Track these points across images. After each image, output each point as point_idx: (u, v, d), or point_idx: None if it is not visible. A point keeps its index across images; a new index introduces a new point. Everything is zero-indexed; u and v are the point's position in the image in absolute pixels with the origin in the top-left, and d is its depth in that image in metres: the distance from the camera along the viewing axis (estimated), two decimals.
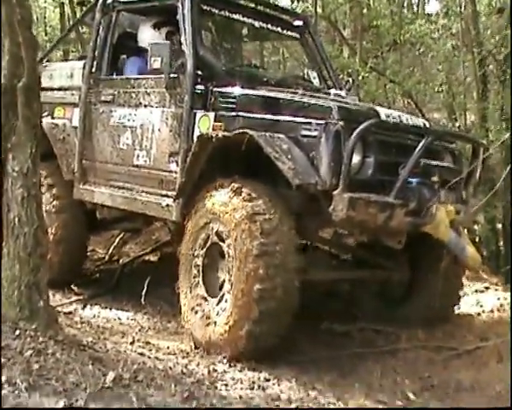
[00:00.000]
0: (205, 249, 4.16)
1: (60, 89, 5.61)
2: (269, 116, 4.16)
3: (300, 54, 10.29)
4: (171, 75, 4.56)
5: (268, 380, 3.64)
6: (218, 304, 4.03)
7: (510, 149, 4.16)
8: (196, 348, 4.12)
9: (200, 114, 4.46)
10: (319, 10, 10.07)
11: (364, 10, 10.49)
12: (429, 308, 4.64)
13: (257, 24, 5.35)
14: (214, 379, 3.54)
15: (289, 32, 5.69)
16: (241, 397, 3.33)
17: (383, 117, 4.11)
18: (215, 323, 4.00)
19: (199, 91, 4.50)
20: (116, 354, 3.65)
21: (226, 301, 3.94)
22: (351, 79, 5.84)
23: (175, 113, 4.60)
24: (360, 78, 8.66)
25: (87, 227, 5.66)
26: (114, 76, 5.28)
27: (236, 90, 4.43)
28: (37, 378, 2.75)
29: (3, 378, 2.62)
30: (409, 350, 4.37)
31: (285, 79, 5.46)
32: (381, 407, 3.50)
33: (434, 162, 4.21)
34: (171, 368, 3.62)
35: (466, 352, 4.30)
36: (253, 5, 5.33)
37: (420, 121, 4.59)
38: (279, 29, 5.58)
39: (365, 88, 8.94)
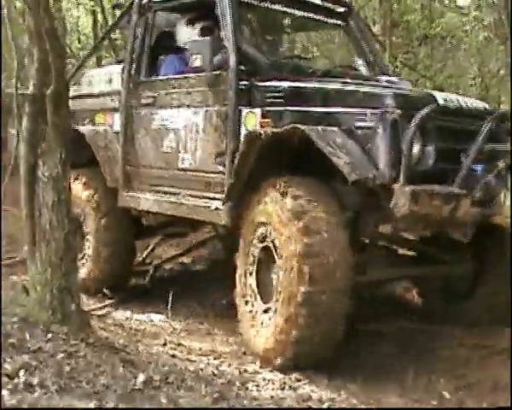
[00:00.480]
0: (261, 245, 3.97)
1: (99, 95, 5.57)
2: (319, 109, 3.93)
3: (331, 50, 10.28)
4: (214, 72, 4.42)
5: (299, 380, 3.61)
6: (265, 312, 3.92)
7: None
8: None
9: (245, 110, 4.26)
10: None
11: (394, 5, 10.38)
12: (494, 305, 4.43)
13: (298, 13, 5.14)
14: (245, 380, 3.54)
15: (332, 20, 5.44)
16: (272, 398, 3.32)
17: (441, 102, 3.83)
18: (258, 332, 3.92)
19: (243, 87, 4.29)
20: (147, 356, 3.68)
21: (270, 320, 3.82)
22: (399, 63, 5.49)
23: (219, 111, 4.41)
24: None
25: (133, 234, 5.61)
26: (154, 77, 5.13)
27: (283, 84, 4.22)
28: (69, 381, 2.77)
29: (36, 381, 2.65)
30: (445, 348, 4.29)
31: (331, 69, 5.17)
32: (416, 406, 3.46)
33: (499, 146, 3.85)
34: (202, 369, 3.63)
35: (504, 350, 4.19)
36: None
37: (480, 104, 4.30)
38: (322, 17, 5.34)
39: None
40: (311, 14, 5.23)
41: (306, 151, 3.77)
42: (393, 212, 3.52)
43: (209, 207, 4.44)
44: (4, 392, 2.47)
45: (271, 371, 3.74)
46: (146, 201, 5.02)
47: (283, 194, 3.73)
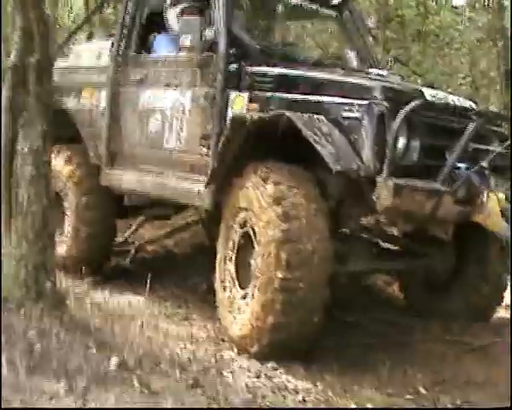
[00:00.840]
0: (242, 231, 3.94)
1: (87, 69, 5.44)
2: (307, 97, 3.91)
3: (326, 40, 10.17)
4: (204, 54, 4.39)
5: (276, 369, 3.57)
6: (242, 298, 3.88)
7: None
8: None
9: (233, 94, 4.23)
10: None
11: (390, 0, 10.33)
12: (472, 302, 4.51)
13: (293, 1, 5.14)
14: (221, 367, 3.48)
15: (326, 10, 5.41)
16: (247, 386, 3.27)
17: (428, 97, 3.84)
18: (235, 318, 3.89)
19: (232, 71, 4.27)
20: (123, 338, 3.60)
21: (247, 306, 3.79)
22: (391, 58, 5.61)
23: (207, 93, 4.36)
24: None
25: (115, 214, 5.52)
26: (143, 54, 5.06)
27: (272, 70, 4.22)
28: (39, 360, 2.70)
29: (3, 358, 2.58)
30: (422, 343, 4.28)
31: (323, 58, 5.22)
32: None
33: (484, 147, 3.90)
34: (177, 354, 3.56)
35: (480, 347, 4.21)
36: None
37: (467, 102, 4.26)
38: (316, 7, 5.30)
39: None
40: (305, 3, 5.18)
41: (292, 138, 3.71)
42: (375, 204, 3.53)
43: (192, 189, 4.37)
44: None
45: (248, 358, 3.69)
46: (128, 181, 4.96)
47: (264, 179, 3.70)
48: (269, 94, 4.08)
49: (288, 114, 3.66)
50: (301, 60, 4.65)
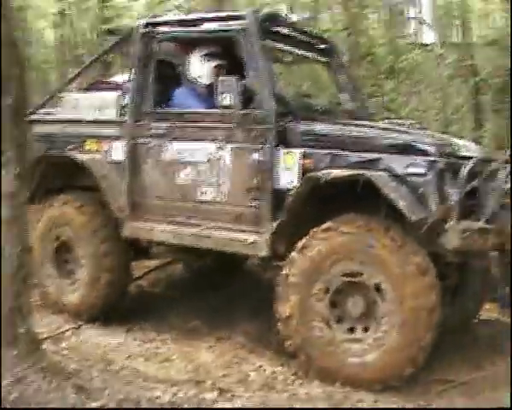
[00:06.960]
0: None
1: (90, 121, 5.35)
2: (367, 155, 4.20)
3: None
4: (242, 111, 4.53)
5: None
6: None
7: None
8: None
9: (283, 150, 4.43)
10: None
11: (363, 39, 10.49)
12: None
13: (299, 52, 5.45)
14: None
15: (321, 58, 5.70)
16: None
17: (460, 148, 4.33)
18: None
19: (279, 128, 4.47)
20: (102, 382, 3.54)
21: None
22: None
23: (250, 148, 4.52)
24: None
25: (131, 258, 5.54)
26: (167, 109, 5.06)
27: (321, 128, 4.47)
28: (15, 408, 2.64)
29: None
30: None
31: (330, 106, 5.61)
32: None
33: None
34: (157, 397, 3.51)
35: (461, 383, 4.18)
36: (297, 35, 5.30)
37: (472, 146, 4.70)
38: (313, 55, 5.63)
39: None
40: (308, 53, 5.54)
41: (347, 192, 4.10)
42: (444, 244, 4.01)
43: (246, 239, 4.52)
44: None
45: (230, 400, 3.65)
46: (161, 232, 4.97)
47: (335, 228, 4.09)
48: (324, 151, 4.31)
49: (367, 174, 4.00)
50: (316, 109, 5.01)
